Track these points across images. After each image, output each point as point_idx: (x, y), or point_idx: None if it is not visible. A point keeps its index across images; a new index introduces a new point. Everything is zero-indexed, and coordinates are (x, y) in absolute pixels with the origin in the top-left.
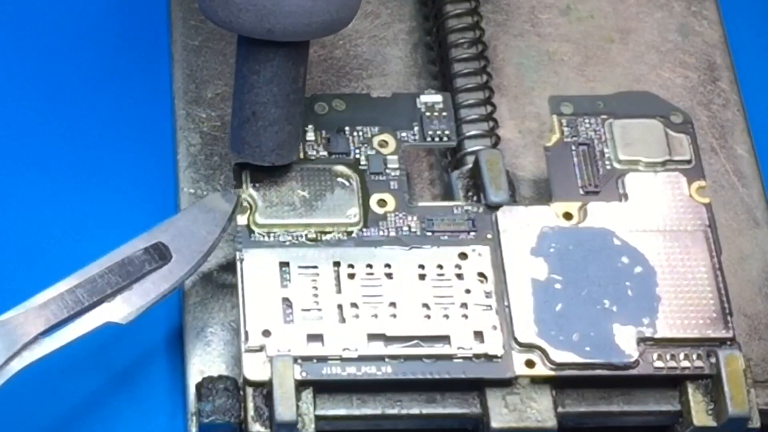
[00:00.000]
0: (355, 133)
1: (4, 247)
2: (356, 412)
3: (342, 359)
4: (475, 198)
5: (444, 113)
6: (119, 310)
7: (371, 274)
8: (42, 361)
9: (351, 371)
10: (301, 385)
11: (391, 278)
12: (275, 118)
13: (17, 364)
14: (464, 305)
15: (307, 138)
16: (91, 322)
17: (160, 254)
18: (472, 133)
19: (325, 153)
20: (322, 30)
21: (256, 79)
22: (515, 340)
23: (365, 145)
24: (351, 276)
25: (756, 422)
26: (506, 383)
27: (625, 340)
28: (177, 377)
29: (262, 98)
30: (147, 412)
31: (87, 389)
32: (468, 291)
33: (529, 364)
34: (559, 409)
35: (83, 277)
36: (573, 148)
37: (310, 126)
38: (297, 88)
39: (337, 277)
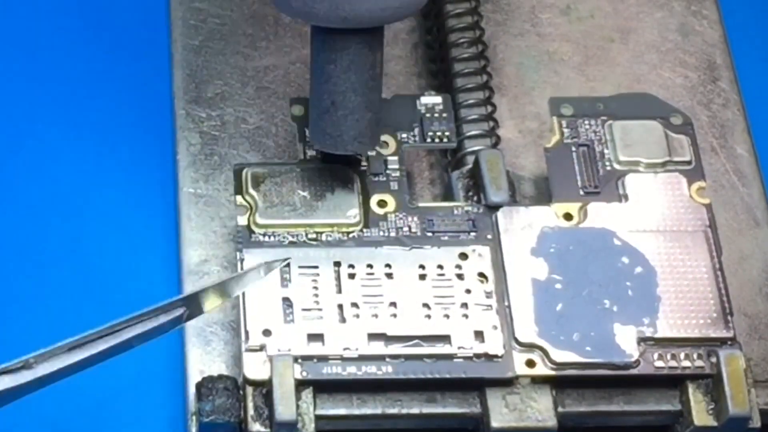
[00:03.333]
0: None
1: (4, 246)
2: (356, 411)
3: (342, 359)
4: (475, 198)
5: (444, 114)
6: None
7: (372, 274)
8: None
9: (351, 371)
10: (301, 385)
11: (392, 278)
12: (355, 107)
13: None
14: (465, 305)
15: (308, 138)
16: None
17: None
18: (473, 133)
19: None
20: (398, 13)
21: (333, 69)
22: (516, 339)
23: None
24: (351, 276)
25: (756, 422)
26: (506, 383)
27: (626, 340)
28: (177, 377)
29: (341, 87)
30: (147, 412)
31: (87, 389)
32: (468, 291)
33: (530, 363)
34: (560, 409)
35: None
36: (573, 149)
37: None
38: (375, 74)
39: (338, 277)
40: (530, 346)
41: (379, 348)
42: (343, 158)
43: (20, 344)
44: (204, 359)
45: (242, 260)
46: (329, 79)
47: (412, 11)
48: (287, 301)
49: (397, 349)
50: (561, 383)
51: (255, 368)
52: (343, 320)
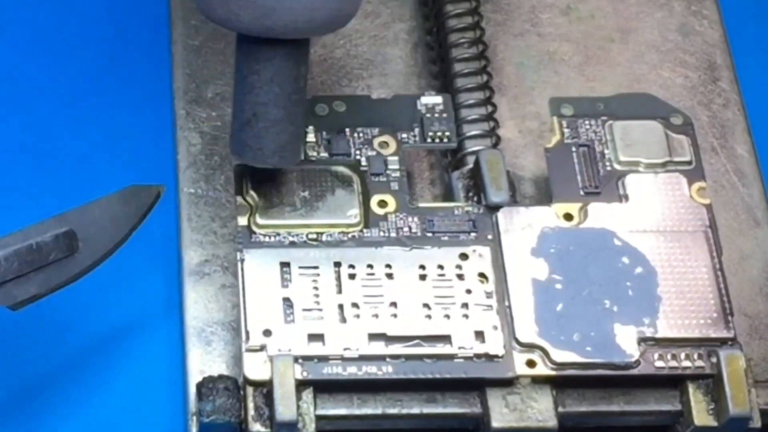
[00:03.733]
0: (355, 135)
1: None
2: (357, 411)
3: (343, 359)
4: (475, 198)
5: (444, 115)
6: (14, 295)
7: (372, 274)
8: (41, 355)
9: (352, 371)
10: (301, 385)
11: (392, 278)
12: (277, 119)
13: None
14: (465, 305)
15: (308, 139)
16: None
17: (68, 244)
18: (473, 133)
19: (326, 154)
20: (324, 27)
21: (257, 79)
22: (516, 340)
23: (366, 146)
24: (352, 276)
25: (757, 422)
26: (507, 383)
27: (626, 340)
28: (177, 377)
29: (263, 98)
30: (147, 412)
31: (87, 389)
32: (469, 291)
33: (530, 363)
34: (560, 409)
35: None
36: (573, 149)
37: (310, 127)
38: (298, 87)
39: (338, 278)
40: (530, 347)
41: (379, 348)
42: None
43: (21, 344)
44: (204, 359)
45: (242, 260)
46: (251, 89)
47: (339, 25)
48: (287, 302)
49: (397, 349)
50: (561, 383)
51: (255, 368)
52: (343, 320)
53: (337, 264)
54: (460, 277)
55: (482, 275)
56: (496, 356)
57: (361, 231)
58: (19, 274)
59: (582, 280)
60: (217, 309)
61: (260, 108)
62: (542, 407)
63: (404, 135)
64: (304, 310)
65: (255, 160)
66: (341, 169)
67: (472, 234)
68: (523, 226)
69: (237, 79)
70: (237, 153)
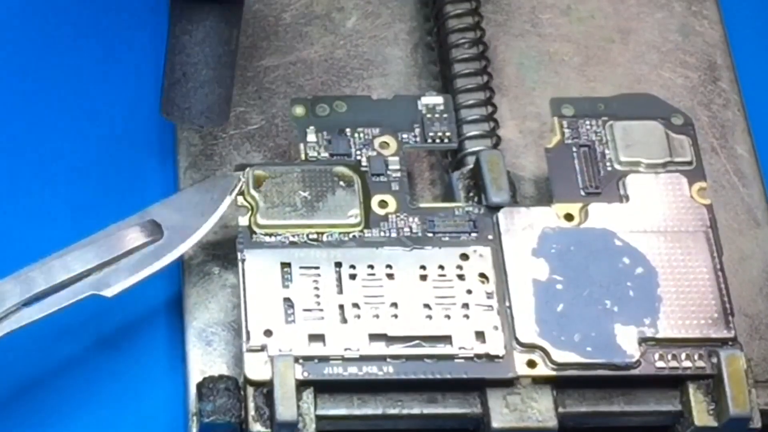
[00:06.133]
0: (356, 135)
1: (5, 248)
2: (357, 411)
3: (343, 359)
4: (476, 199)
5: (445, 115)
6: (105, 283)
7: (373, 274)
8: (41, 355)
9: (352, 371)
10: (302, 385)
11: (393, 279)
12: (206, 80)
13: None
14: (465, 306)
15: (309, 139)
16: (75, 293)
17: (151, 231)
18: (473, 133)
19: (327, 154)
20: None
21: (188, 40)
22: (516, 340)
23: (366, 146)
24: (352, 276)
25: (757, 422)
26: (507, 383)
27: (627, 341)
28: (177, 377)
29: (193, 59)
30: (147, 412)
31: (88, 389)
32: (469, 291)
33: (531, 364)
34: (560, 409)
35: (72, 250)
36: (574, 149)
37: (311, 127)
38: (229, 50)
39: (339, 278)
40: (531, 347)
41: (380, 348)
42: None
43: (21, 344)
44: (205, 359)
45: (243, 260)
46: (183, 50)
47: None
48: (288, 302)
49: (398, 349)
50: (562, 383)
51: (256, 368)
52: (344, 321)
53: (338, 264)
54: (461, 277)
55: (483, 275)
56: (497, 356)
57: (361, 231)
58: (105, 261)
59: (583, 281)
60: (218, 309)
61: (190, 68)
62: (542, 407)
63: (405, 135)
64: (305, 310)
65: (182, 120)
66: (342, 169)
67: (473, 234)
68: (523, 227)
69: (169, 38)
70: (165, 112)
